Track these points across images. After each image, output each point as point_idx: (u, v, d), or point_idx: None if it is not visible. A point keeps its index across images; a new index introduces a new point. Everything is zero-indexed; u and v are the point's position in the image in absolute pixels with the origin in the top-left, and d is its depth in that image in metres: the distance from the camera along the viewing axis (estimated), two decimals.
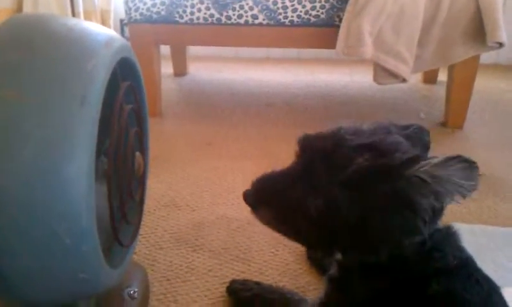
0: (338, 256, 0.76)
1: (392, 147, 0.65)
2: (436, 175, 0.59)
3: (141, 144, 0.86)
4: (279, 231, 0.74)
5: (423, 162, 0.61)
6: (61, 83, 0.60)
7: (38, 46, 0.63)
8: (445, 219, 0.69)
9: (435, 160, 0.60)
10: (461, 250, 0.71)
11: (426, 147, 0.73)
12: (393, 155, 0.64)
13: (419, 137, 0.72)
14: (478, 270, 0.70)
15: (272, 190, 0.72)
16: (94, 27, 0.71)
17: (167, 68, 2.62)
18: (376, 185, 0.63)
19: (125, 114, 0.74)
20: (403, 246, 0.65)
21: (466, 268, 0.69)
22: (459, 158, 0.59)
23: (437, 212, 0.64)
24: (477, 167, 0.59)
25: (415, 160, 0.62)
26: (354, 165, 0.64)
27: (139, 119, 0.84)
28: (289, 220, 0.72)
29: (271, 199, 0.72)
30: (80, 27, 0.69)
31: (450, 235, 0.71)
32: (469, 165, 0.59)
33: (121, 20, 2.19)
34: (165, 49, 2.44)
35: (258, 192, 0.74)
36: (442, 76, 2.51)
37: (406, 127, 0.73)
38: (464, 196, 0.61)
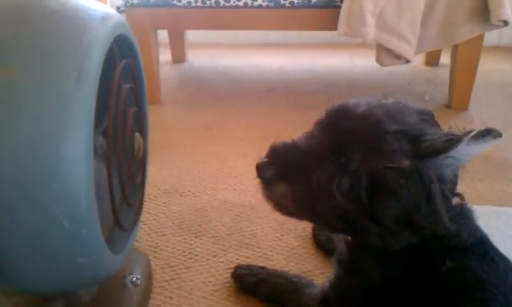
0: (348, 237, 0.73)
1: (421, 131, 0.62)
2: (468, 152, 0.58)
3: (141, 124, 0.83)
4: (289, 210, 0.67)
5: (455, 144, 0.58)
6: (55, 58, 0.57)
7: (30, 21, 0.60)
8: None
9: (467, 139, 0.57)
10: (476, 228, 0.68)
11: None
12: (424, 139, 0.61)
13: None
14: (494, 249, 0.68)
15: (293, 166, 0.64)
16: (89, 4, 0.68)
17: (165, 55, 2.58)
18: (414, 182, 0.60)
19: (123, 93, 0.71)
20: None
21: (482, 246, 0.67)
22: (488, 132, 0.58)
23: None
24: (501, 135, 0.59)
25: (445, 143, 0.59)
26: (392, 160, 0.60)
27: (137, 99, 0.81)
28: (307, 201, 0.64)
29: (290, 176, 0.64)
30: (75, 2, 0.66)
31: (465, 213, 0.68)
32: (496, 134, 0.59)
33: (118, 7, 2.15)
34: (163, 36, 2.40)
35: (276, 166, 0.65)
36: (444, 58, 2.48)
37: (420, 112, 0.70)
38: None
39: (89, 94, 0.57)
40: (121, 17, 0.72)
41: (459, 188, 0.66)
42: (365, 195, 0.60)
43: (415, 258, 0.66)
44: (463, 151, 0.58)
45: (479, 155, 0.60)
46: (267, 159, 0.66)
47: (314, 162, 0.63)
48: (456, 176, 0.63)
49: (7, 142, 0.54)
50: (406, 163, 0.59)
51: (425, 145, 0.60)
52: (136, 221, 0.82)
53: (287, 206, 0.66)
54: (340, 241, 0.77)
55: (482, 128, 0.58)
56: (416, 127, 0.63)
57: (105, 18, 0.65)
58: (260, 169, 0.66)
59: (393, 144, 0.60)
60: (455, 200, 0.66)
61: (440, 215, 0.60)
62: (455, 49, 1.89)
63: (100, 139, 0.71)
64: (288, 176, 0.64)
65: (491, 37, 2.84)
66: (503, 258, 0.67)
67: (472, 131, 0.57)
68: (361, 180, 0.60)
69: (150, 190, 1.28)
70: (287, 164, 0.64)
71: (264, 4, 1.80)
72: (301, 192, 0.64)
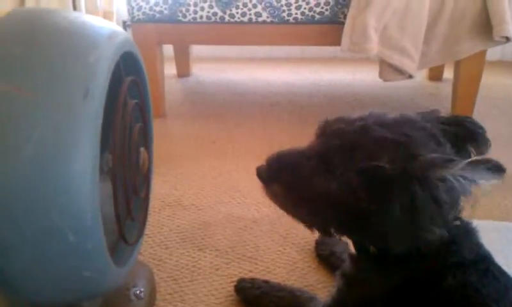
0: (352, 251, 0.74)
1: (417, 146, 0.62)
2: (462, 179, 0.57)
3: (146, 140, 0.84)
4: (288, 210, 0.72)
5: (450, 165, 0.58)
6: (62, 76, 0.59)
7: (39, 39, 0.62)
8: None
9: (463, 164, 0.57)
10: (479, 245, 0.69)
11: (472, 141, 0.70)
12: (418, 155, 0.61)
13: (468, 130, 0.70)
14: (495, 265, 0.68)
15: (285, 167, 0.70)
16: (96, 21, 0.70)
17: (170, 69, 2.60)
18: (397, 187, 0.61)
19: (130, 109, 0.72)
20: (425, 240, 0.62)
21: (483, 263, 0.67)
22: (488, 162, 0.57)
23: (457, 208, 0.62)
24: (504, 171, 0.57)
25: (440, 163, 0.59)
26: (375, 161, 0.61)
27: (143, 114, 0.83)
28: (299, 199, 0.69)
29: (282, 176, 0.70)
30: (82, 20, 0.68)
31: (468, 231, 0.69)
32: (497, 169, 0.57)
33: (124, 22, 2.18)
34: (168, 50, 2.42)
35: (271, 168, 0.71)
36: (448, 73, 2.49)
37: (448, 120, 0.70)
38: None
39: (95, 111, 0.58)
40: (127, 34, 0.73)
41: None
42: (348, 194, 0.63)
43: (416, 273, 0.66)
44: (461, 176, 0.57)
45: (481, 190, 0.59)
46: (265, 163, 0.72)
47: (303, 164, 0.68)
48: (454, 203, 0.61)
49: (14, 157, 0.55)
50: (387, 165, 0.61)
51: (420, 158, 0.60)
52: (140, 235, 0.83)
53: (282, 203, 0.72)
54: (346, 254, 0.78)
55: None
56: (416, 140, 0.63)
57: (111, 35, 0.67)
58: (258, 171, 0.72)
59: (373, 149, 0.63)
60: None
61: (423, 230, 0.61)
62: (458, 64, 1.90)
63: (106, 154, 0.73)
64: (281, 178, 0.70)
65: (495, 52, 2.85)
66: (504, 274, 0.67)
67: (474, 158, 0.58)
68: (344, 180, 0.63)
69: (154, 203, 1.29)
70: (281, 167, 0.70)
71: (268, 20, 1.82)
72: (291, 190, 0.69)
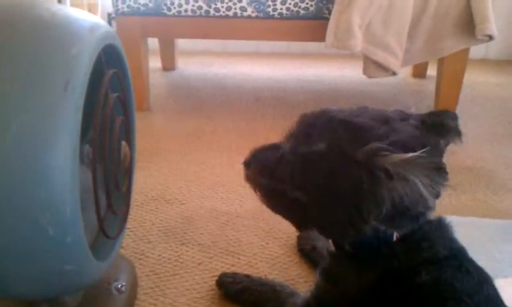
0: (330, 247, 0.75)
1: (366, 133, 0.64)
2: (401, 173, 0.57)
3: (127, 133, 0.84)
4: (261, 192, 0.75)
5: (393, 155, 0.58)
6: (43, 67, 0.58)
7: (20, 30, 0.61)
8: (435, 212, 0.69)
9: (405, 156, 0.57)
10: (452, 241, 0.70)
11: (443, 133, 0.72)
12: (365, 142, 0.61)
13: (440, 123, 0.72)
14: (469, 261, 0.69)
15: (261, 157, 0.75)
16: (78, 13, 0.69)
17: (155, 63, 2.59)
18: (335, 170, 0.64)
19: (111, 102, 0.72)
20: (365, 231, 0.63)
21: (457, 258, 0.68)
22: (430, 160, 0.56)
23: (401, 207, 0.60)
24: (446, 174, 0.57)
25: (380, 151, 0.59)
26: (316, 145, 0.66)
27: (125, 108, 0.82)
28: (270, 187, 0.73)
29: (258, 164, 0.75)
30: (65, 12, 0.67)
31: (441, 227, 0.70)
32: (438, 171, 0.56)
33: (109, 14, 2.16)
34: (153, 43, 2.41)
35: (253, 158, 0.76)
36: (431, 70, 2.51)
37: (427, 116, 0.72)
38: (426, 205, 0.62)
39: (76, 104, 0.58)
40: (109, 27, 0.73)
41: (442, 199, 0.66)
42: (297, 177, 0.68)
43: (389, 270, 0.67)
44: (401, 170, 0.57)
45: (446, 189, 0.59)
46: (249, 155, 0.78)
47: (274, 155, 0.74)
48: (396, 203, 0.59)
49: None
50: (321, 146, 0.66)
51: (367, 146, 0.61)
52: (121, 229, 0.82)
53: (261, 191, 0.76)
54: (325, 250, 0.80)
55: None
56: (364, 128, 0.65)
57: (93, 28, 0.66)
58: (244, 162, 0.77)
59: (321, 132, 0.67)
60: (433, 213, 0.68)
61: (367, 217, 0.62)
62: (441, 62, 1.92)
63: (87, 147, 0.72)
64: (257, 164, 0.75)
65: (478, 50, 2.89)
66: (478, 269, 0.68)
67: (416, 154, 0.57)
68: (295, 164, 0.69)
69: (137, 197, 1.29)
70: (259, 157, 0.76)
71: (254, 14, 1.82)
72: (264, 177, 0.74)
